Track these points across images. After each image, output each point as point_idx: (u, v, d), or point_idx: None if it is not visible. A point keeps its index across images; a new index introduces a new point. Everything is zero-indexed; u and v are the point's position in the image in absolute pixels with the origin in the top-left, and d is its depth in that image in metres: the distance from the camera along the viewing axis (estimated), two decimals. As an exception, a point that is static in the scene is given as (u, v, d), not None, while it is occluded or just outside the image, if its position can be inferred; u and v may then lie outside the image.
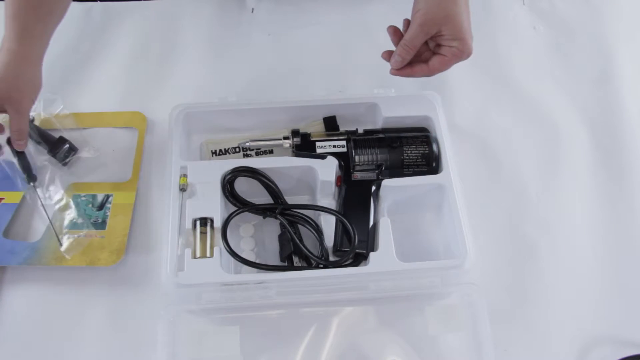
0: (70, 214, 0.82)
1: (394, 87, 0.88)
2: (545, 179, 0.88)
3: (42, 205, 0.82)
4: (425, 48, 0.79)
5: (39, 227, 0.82)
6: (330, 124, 0.85)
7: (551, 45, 1.01)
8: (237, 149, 0.84)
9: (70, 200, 0.83)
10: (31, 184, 0.83)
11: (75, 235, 0.80)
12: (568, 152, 0.91)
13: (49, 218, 0.81)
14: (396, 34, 0.78)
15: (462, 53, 0.75)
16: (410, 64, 0.78)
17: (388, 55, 0.79)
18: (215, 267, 0.73)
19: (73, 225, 0.82)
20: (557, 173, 0.89)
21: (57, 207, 0.83)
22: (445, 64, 0.77)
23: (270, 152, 0.85)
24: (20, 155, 0.83)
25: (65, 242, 0.80)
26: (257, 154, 0.85)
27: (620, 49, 1.01)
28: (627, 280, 0.81)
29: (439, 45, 0.77)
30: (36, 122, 0.88)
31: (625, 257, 0.83)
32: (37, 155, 0.86)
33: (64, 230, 0.81)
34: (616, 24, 1.04)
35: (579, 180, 0.88)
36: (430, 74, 0.78)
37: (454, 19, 0.73)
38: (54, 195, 0.84)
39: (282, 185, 0.81)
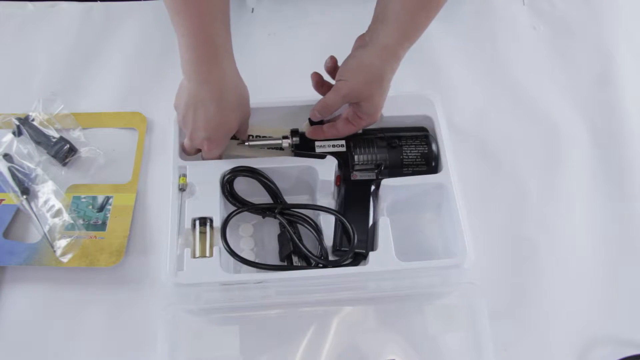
0: (65, 217, 0.82)
1: (394, 87, 0.88)
2: (545, 179, 0.88)
3: (36, 216, 0.82)
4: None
5: (38, 228, 0.82)
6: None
7: (551, 45, 1.01)
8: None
9: (67, 204, 0.83)
10: (24, 196, 0.83)
11: (69, 238, 0.80)
12: (568, 152, 0.91)
13: (43, 229, 0.81)
14: (318, 84, 0.81)
15: (368, 124, 0.81)
16: (321, 128, 0.82)
17: (316, 78, 0.81)
18: (215, 266, 0.73)
19: (68, 227, 0.81)
20: (557, 173, 0.89)
21: (53, 210, 0.83)
22: (352, 129, 0.81)
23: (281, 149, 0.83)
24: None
25: (60, 246, 0.80)
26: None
27: (620, 49, 1.01)
28: (627, 280, 0.81)
29: (353, 112, 0.80)
30: (36, 122, 0.88)
31: (625, 257, 0.83)
32: (37, 155, 0.87)
33: (58, 235, 0.81)
34: (616, 24, 1.04)
35: (579, 180, 0.88)
36: (339, 136, 0.82)
37: (374, 98, 0.77)
38: (49, 202, 0.83)
39: (281, 184, 0.81)
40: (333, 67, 0.80)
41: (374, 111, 0.79)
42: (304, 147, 0.82)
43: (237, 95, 0.75)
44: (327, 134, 0.82)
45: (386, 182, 0.79)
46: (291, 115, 0.85)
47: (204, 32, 0.69)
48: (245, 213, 0.80)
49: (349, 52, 0.99)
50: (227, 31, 0.72)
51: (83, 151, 0.88)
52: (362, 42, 0.77)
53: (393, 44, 0.75)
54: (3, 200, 0.84)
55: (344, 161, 0.81)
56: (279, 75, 0.96)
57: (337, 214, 0.78)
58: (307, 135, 0.82)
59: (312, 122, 0.82)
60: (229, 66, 0.73)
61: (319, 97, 0.86)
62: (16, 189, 0.84)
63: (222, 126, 0.75)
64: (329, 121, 0.83)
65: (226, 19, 0.71)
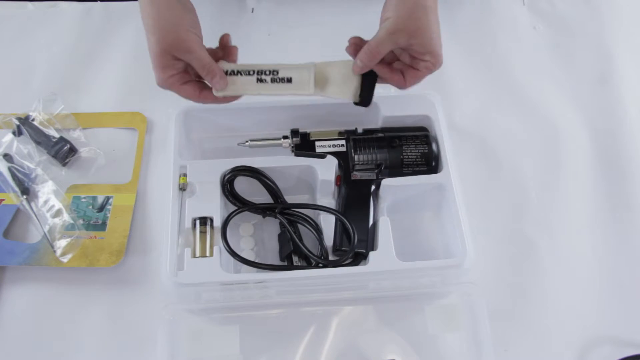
0: (65, 217, 0.82)
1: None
2: (545, 179, 0.88)
3: (36, 216, 0.82)
4: (394, 57, 0.76)
5: (38, 228, 0.82)
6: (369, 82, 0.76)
7: (551, 45, 1.01)
8: (252, 72, 0.75)
9: (67, 204, 0.83)
10: (24, 196, 0.83)
11: (69, 238, 0.80)
12: (568, 152, 0.91)
13: (43, 229, 0.81)
14: (357, 45, 0.75)
15: (434, 66, 0.73)
16: (391, 70, 0.75)
17: (353, 49, 0.75)
18: (215, 266, 0.73)
19: (68, 227, 0.81)
20: (557, 173, 0.89)
21: (53, 210, 0.83)
22: (419, 78, 0.75)
23: (289, 80, 0.75)
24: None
25: (60, 246, 0.80)
26: (273, 80, 0.76)
27: (620, 49, 1.01)
28: (627, 281, 0.81)
29: (411, 58, 0.74)
30: (36, 122, 0.88)
31: (625, 257, 0.83)
32: (37, 155, 0.87)
33: (58, 235, 0.81)
34: (616, 24, 1.04)
35: (579, 180, 0.88)
36: (404, 87, 0.75)
37: (425, 31, 0.70)
38: (49, 202, 0.83)
39: (281, 184, 0.81)
40: (356, 42, 0.75)
41: (428, 47, 0.71)
42: (304, 147, 0.82)
43: (151, 16, 0.71)
44: (392, 79, 0.74)
45: (386, 182, 0.80)
46: (291, 116, 0.85)
47: None
48: (246, 213, 0.80)
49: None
50: None
51: (83, 151, 0.88)
52: None
53: None
54: (3, 200, 0.84)
55: (344, 161, 0.81)
56: (279, 75, 0.96)
57: (337, 214, 0.78)
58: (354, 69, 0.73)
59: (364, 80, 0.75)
60: None
61: (320, 96, 0.86)
62: (16, 189, 0.84)
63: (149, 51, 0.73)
64: None
65: None
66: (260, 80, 0.75)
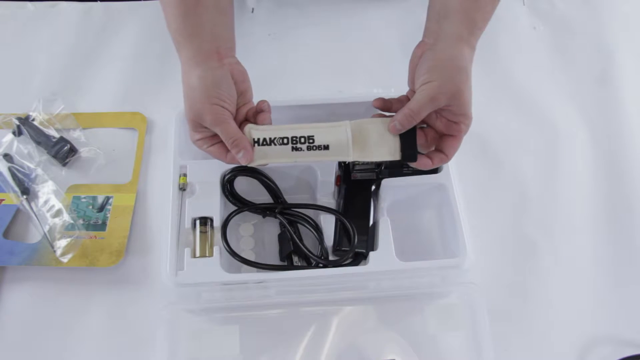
0: (65, 217, 0.82)
1: (394, 87, 0.88)
2: (545, 179, 0.88)
3: (36, 216, 0.82)
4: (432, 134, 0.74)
5: (38, 228, 0.82)
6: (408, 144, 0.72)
7: (551, 45, 1.01)
8: (286, 140, 0.71)
9: (67, 204, 0.83)
10: (24, 196, 0.83)
11: (69, 238, 0.80)
12: (568, 152, 0.91)
13: (43, 229, 0.81)
14: (386, 104, 0.74)
15: (467, 127, 0.72)
16: (429, 157, 0.73)
17: (380, 103, 0.75)
18: (215, 266, 0.73)
19: (68, 227, 0.81)
20: (557, 172, 0.89)
21: (53, 210, 0.83)
22: (457, 144, 0.73)
23: (326, 147, 0.71)
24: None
25: (60, 246, 0.80)
26: (309, 148, 0.71)
27: (620, 49, 1.01)
28: (627, 280, 0.81)
29: (447, 122, 0.72)
30: (36, 122, 0.88)
31: (624, 257, 0.83)
32: (37, 155, 0.87)
33: (58, 235, 0.81)
34: (616, 24, 1.04)
35: (579, 180, 0.88)
36: (449, 159, 0.74)
37: (463, 94, 0.70)
38: (49, 202, 0.83)
39: (281, 184, 0.81)
40: (384, 102, 0.74)
41: (466, 109, 0.70)
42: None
43: (185, 85, 0.72)
44: (435, 162, 0.73)
45: (386, 182, 0.80)
46: (291, 116, 0.85)
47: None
48: (246, 213, 0.80)
49: (349, 52, 1.00)
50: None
51: (83, 151, 0.88)
52: (426, 46, 0.72)
53: (466, 34, 0.71)
54: (3, 200, 0.84)
55: (344, 161, 0.81)
56: (279, 76, 0.96)
57: (337, 214, 0.78)
58: (414, 165, 0.72)
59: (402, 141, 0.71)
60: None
61: (321, 97, 0.86)
62: (16, 189, 0.84)
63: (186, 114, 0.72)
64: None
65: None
66: (295, 149, 0.71)
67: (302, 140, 0.71)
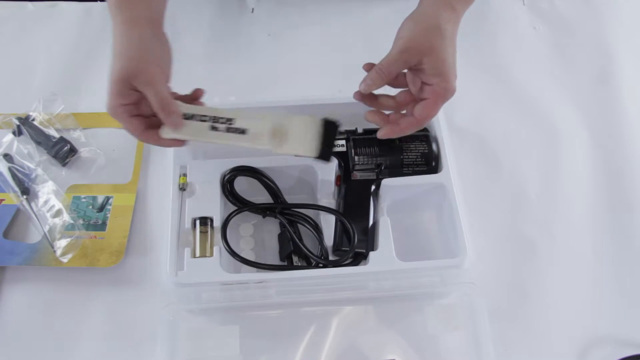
0: (65, 217, 0.82)
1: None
2: (545, 179, 0.88)
3: (36, 216, 0.82)
4: (409, 98, 0.73)
5: (38, 228, 0.82)
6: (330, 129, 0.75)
7: (551, 45, 1.01)
8: (206, 118, 0.71)
9: (67, 204, 0.83)
10: (24, 196, 0.83)
11: (69, 238, 0.80)
12: (568, 152, 0.91)
13: (43, 229, 0.81)
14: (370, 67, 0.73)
15: (446, 91, 0.69)
16: (397, 122, 0.73)
17: (369, 67, 0.72)
18: (215, 266, 0.73)
19: (68, 227, 0.81)
20: (557, 172, 0.89)
21: (53, 210, 0.83)
22: (430, 108, 0.70)
23: (243, 132, 0.71)
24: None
25: (60, 246, 0.80)
26: (227, 130, 0.71)
27: (620, 49, 1.01)
28: (627, 280, 0.81)
29: (421, 85, 0.71)
30: (36, 122, 0.88)
31: (624, 257, 0.83)
32: (38, 155, 0.87)
33: (58, 235, 0.81)
34: (616, 24, 1.04)
35: (579, 180, 0.88)
36: (419, 124, 0.72)
37: (437, 51, 0.67)
38: (49, 202, 0.83)
39: (281, 184, 0.81)
40: (370, 66, 0.72)
41: (440, 68, 0.67)
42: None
43: (120, 44, 0.69)
44: (404, 129, 0.72)
45: (386, 182, 0.79)
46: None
47: None
48: (246, 213, 0.80)
49: (349, 52, 1.00)
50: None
51: (83, 151, 0.88)
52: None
53: None
54: (3, 200, 0.84)
55: (344, 161, 0.81)
56: (279, 75, 0.97)
57: (337, 214, 0.78)
58: (380, 136, 0.74)
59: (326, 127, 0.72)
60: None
61: (321, 96, 0.86)
62: (16, 189, 0.84)
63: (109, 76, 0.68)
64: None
65: None
66: (213, 128, 0.71)
67: (222, 120, 0.71)
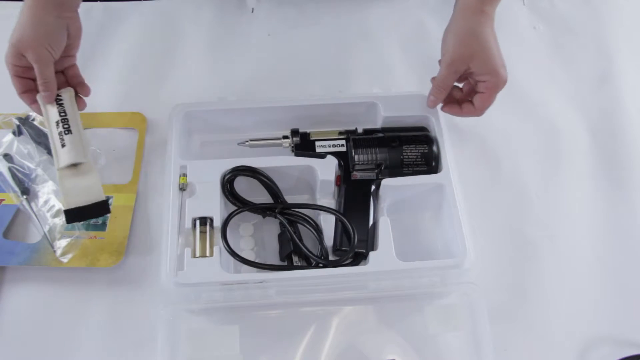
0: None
1: (394, 87, 0.88)
2: (545, 179, 0.88)
3: (36, 216, 0.82)
4: (469, 87, 0.83)
5: (38, 228, 0.82)
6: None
7: (551, 45, 1.01)
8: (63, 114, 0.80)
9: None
10: (24, 196, 0.83)
11: (69, 238, 0.80)
12: (568, 152, 0.91)
13: (43, 229, 0.81)
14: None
15: (497, 84, 0.78)
16: (459, 103, 0.83)
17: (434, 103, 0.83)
18: (215, 266, 0.73)
19: (68, 227, 0.81)
20: (557, 173, 0.89)
21: (53, 210, 0.83)
22: (486, 100, 0.80)
23: (62, 143, 0.79)
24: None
25: (60, 246, 0.80)
26: (60, 132, 0.79)
27: (620, 49, 1.01)
28: (627, 280, 0.81)
29: (476, 83, 0.80)
30: (36, 122, 0.88)
31: (625, 257, 0.83)
32: (37, 155, 0.87)
33: (58, 235, 0.81)
34: (616, 24, 1.04)
35: (579, 180, 0.88)
36: (478, 113, 0.82)
37: (479, 55, 0.77)
38: (49, 202, 0.83)
39: (281, 184, 0.81)
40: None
41: (487, 68, 0.77)
42: (304, 147, 0.82)
43: (23, 19, 0.78)
44: (464, 112, 0.82)
45: (386, 182, 0.80)
46: (291, 115, 0.85)
47: None
48: (246, 213, 0.80)
49: (349, 52, 1.00)
50: None
51: (83, 151, 0.88)
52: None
53: (474, 2, 0.78)
54: (3, 200, 0.84)
55: (344, 161, 0.81)
56: (279, 75, 0.96)
57: (337, 214, 0.78)
58: (442, 109, 0.83)
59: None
60: None
61: (321, 96, 0.86)
62: (16, 189, 0.84)
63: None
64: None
65: None
66: (60, 122, 0.79)
67: (66, 125, 0.79)
